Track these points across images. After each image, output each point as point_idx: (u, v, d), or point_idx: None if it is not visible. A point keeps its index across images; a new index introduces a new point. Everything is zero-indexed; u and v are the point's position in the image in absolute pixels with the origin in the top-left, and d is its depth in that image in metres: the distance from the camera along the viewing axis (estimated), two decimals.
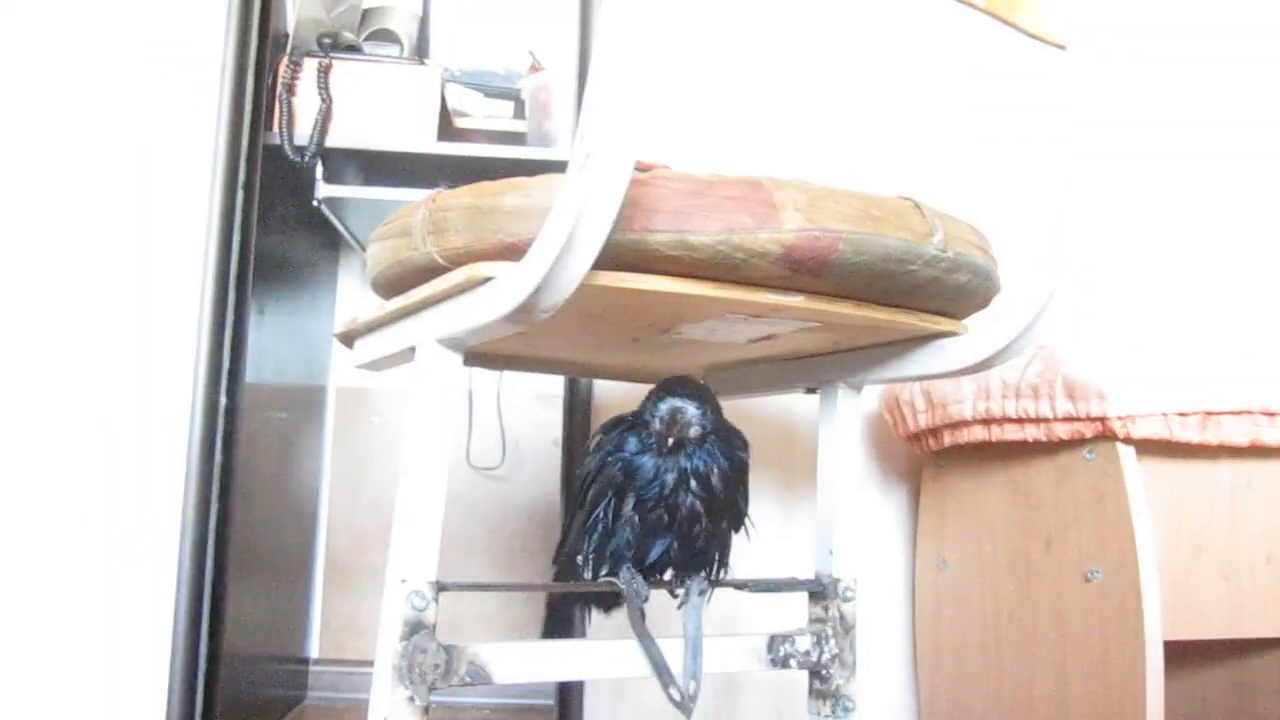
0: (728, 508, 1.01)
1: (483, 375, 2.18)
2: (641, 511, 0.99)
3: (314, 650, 2.26)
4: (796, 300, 0.86)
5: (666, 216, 0.78)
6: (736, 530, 1.06)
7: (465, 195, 0.84)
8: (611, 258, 0.76)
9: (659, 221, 0.78)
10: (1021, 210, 1.27)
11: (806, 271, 0.82)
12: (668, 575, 1.04)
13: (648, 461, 0.99)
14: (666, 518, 0.99)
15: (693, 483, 0.98)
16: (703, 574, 1.04)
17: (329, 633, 2.26)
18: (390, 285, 0.94)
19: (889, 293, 0.89)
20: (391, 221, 0.93)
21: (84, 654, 1.56)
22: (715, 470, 0.99)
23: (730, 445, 1.01)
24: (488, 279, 0.79)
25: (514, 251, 0.79)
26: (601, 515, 1.01)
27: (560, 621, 1.20)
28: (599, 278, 0.78)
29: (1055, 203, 0.91)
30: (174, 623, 1.56)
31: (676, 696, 0.96)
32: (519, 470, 2.32)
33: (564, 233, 0.70)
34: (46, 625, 1.56)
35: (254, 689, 1.88)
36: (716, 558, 1.05)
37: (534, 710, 2.14)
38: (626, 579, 0.99)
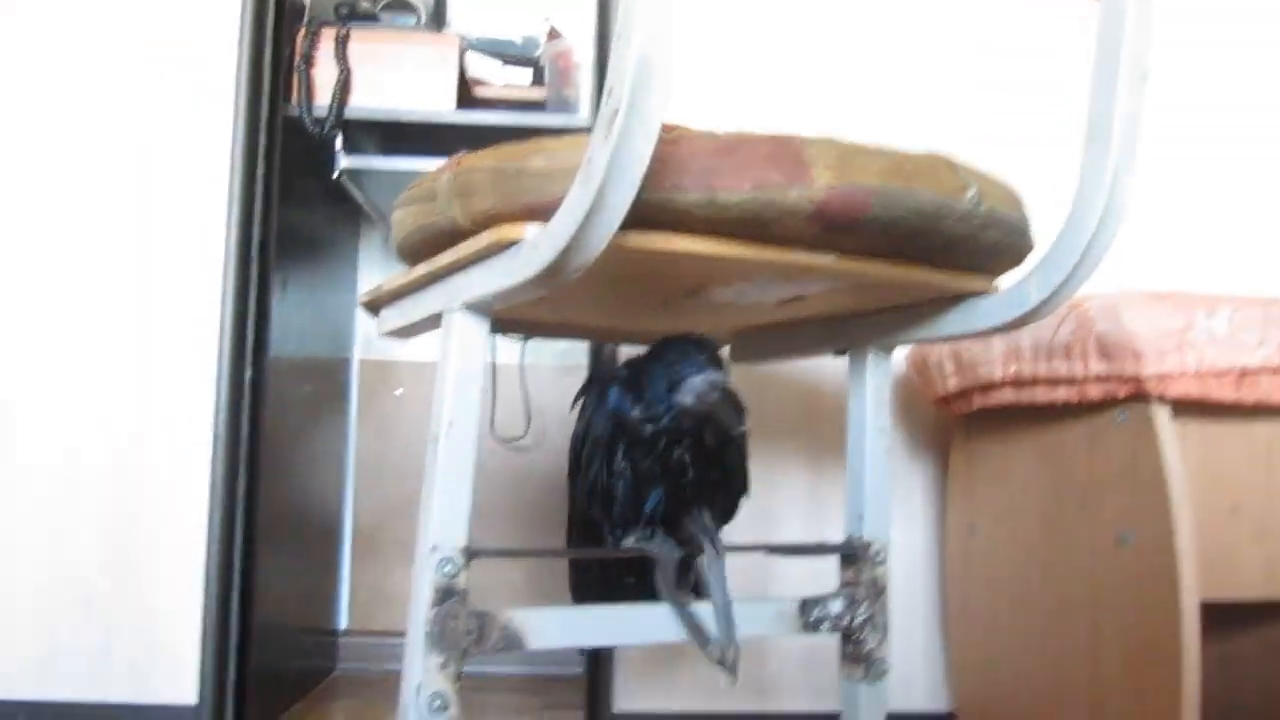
0: (715, 460, 1.01)
1: (506, 347, 2.17)
2: (633, 463, 0.98)
3: (343, 621, 2.28)
4: (827, 259, 0.84)
5: (695, 175, 0.77)
6: (740, 493, 1.07)
7: (490, 158, 0.83)
8: (640, 218, 0.75)
9: (688, 180, 0.77)
10: (1054, 165, 1.24)
11: (838, 229, 0.80)
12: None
13: (636, 413, 0.98)
14: (658, 469, 0.99)
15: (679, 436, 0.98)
16: (712, 524, 1.04)
17: (358, 604, 2.28)
18: (416, 251, 0.93)
19: (921, 251, 0.87)
20: (416, 187, 0.92)
21: (116, 628, 1.57)
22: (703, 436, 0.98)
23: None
24: (515, 241, 0.78)
25: (541, 213, 0.78)
26: (598, 473, 1.01)
27: (590, 585, 1.19)
28: (628, 238, 0.77)
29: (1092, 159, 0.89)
30: (204, 596, 1.57)
31: (715, 655, 0.95)
32: (543, 440, 2.33)
33: (592, 192, 0.69)
34: (79, 600, 1.57)
35: (285, 660, 1.90)
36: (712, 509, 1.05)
37: (561, 680, 2.15)
38: (658, 543, 0.99)
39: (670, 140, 0.77)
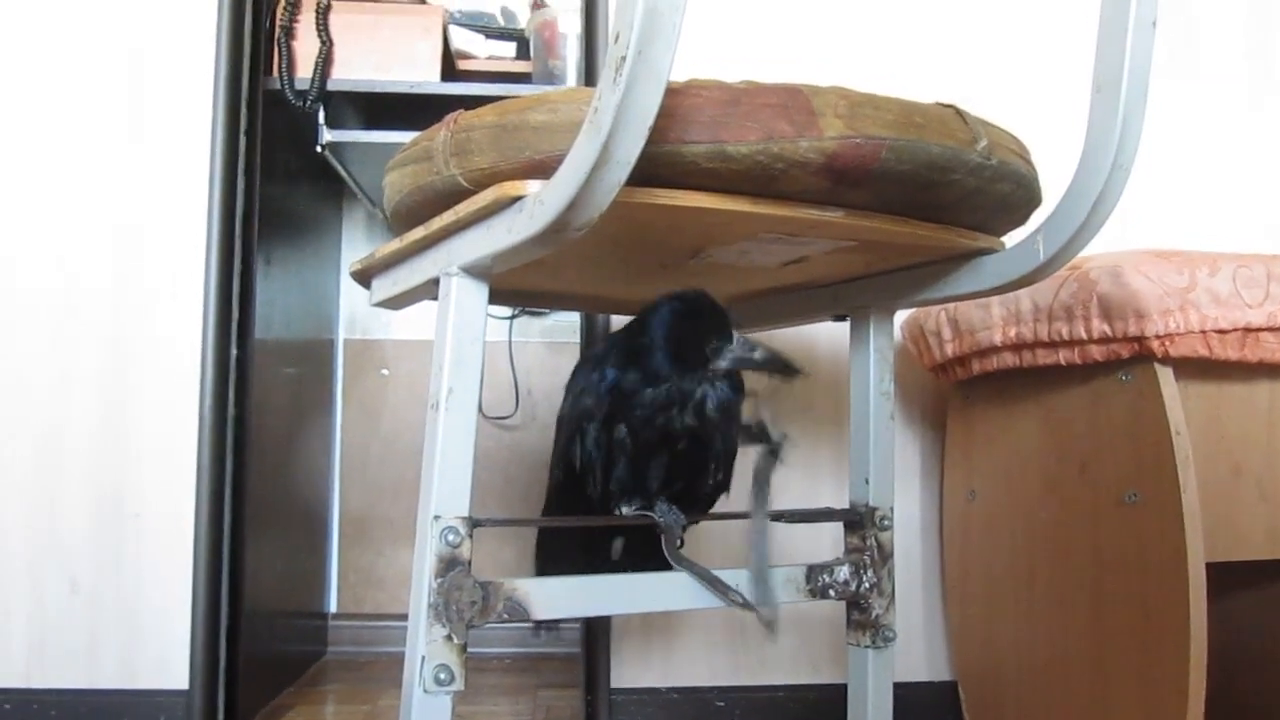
0: (715, 434, 0.99)
1: (493, 325, 2.15)
2: (634, 433, 0.97)
3: (333, 605, 2.25)
4: (835, 215, 0.83)
5: (702, 127, 0.75)
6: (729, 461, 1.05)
7: (489, 114, 0.81)
8: (645, 173, 0.73)
9: (695, 132, 0.74)
10: (1059, 120, 1.23)
11: (847, 182, 0.79)
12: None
13: (637, 383, 0.96)
14: (657, 438, 0.97)
15: (689, 406, 0.96)
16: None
17: (347, 587, 2.26)
18: (410, 214, 0.91)
19: (930, 206, 0.85)
20: (410, 147, 0.89)
21: (105, 614, 1.54)
22: (710, 397, 0.96)
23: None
24: (518, 198, 0.76)
25: (542, 170, 0.76)
26: (596, 446, 0.99)
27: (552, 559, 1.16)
28: (633, 194, 0.75)
29: (1101, 108, 0.87)
30: (193, 580, 1.54)
31: (740, 600, 0.94)
32: (532, 419, 2.31)
33: (599, 143, 0.67)
34: (65, 585, 1.54)
35: (275, 645, 1.88)
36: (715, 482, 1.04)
37: (557, 659, 2.13)
38: (663, 511, 0.97)
39: (676, 91, 0.75)
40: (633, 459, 0.96)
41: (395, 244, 0.95)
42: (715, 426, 0.97)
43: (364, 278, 1.08)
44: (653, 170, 0.74)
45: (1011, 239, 0.97)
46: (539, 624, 1.21)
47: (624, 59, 0.65)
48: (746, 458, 1.03)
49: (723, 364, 0.94)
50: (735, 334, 0.94)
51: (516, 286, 1.16)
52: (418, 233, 0.90)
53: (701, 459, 0.99)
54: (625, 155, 0.68)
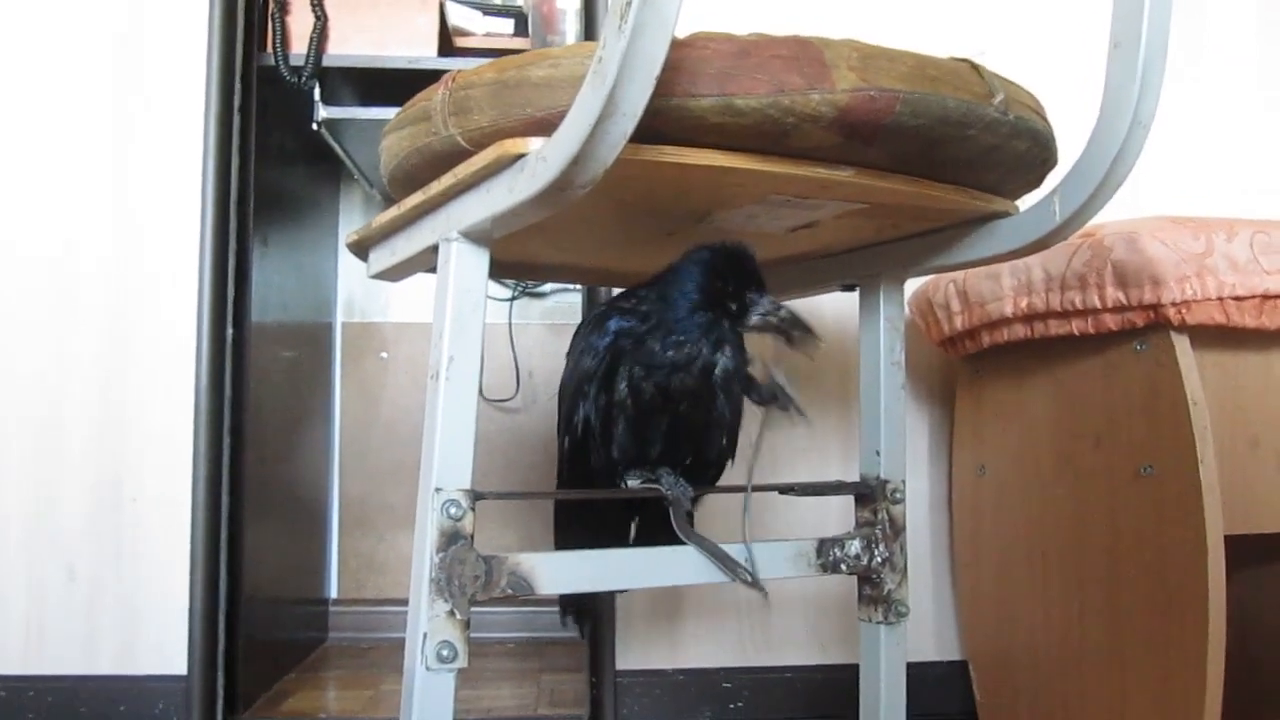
0: (719, 397, 0.96)
1: (493, 306, 2.13)
2: (635, 391, 0.94)
3: (333, 590, 2.23)
4: (846, 174, 0.80)
5: (710, 80, 0.72)
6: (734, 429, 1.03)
7: (488, 71, 0.78)
8: (651, 129, 0.70)
9: (702, 85, 0.72)
10: (1070, 82, 1.20)
11: (860, 138, 0.76)
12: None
13: (643, 334, 0.94)
14: (659, 398, 0.94)
15: (694, 365, 0.93)
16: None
17: (347, 572, 2.23)
18: (409, 179, 0.88)
19: (944, 163, 0.83)
20: (408, 108, 0.86)
21: (103, 600, 1.52)
22: (719, 363, 0.94)
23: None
24: (520, 155, 0.73)
25: (544, 127, 0.73)
26: (596, 404, 0.96)
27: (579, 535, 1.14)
28: (639, 152, 0.72)
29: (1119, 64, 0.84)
30: (190, 565, 1.52)
31: (747, 578, 0.92)
32: (533, 402, 2.29)
33: (604, 94, 0.64)
34: (65, 572, 1.52)
35: (275, 631, 1.85)
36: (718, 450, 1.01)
37: (561, 643, 2.11)
38: (670, 483, 0.94)
39: (683, 43, 0.72)
40: (633, 420, 0.94)
41: (393, 211, 0.92)
42: (719, 390, 0.94)
43: (361, 249, 1.05)
44: (658, 126, 0.72)
45: (1025, 204, 0.95)
46: (565, 610, 1.20)
47: (629, 4, 0.62)
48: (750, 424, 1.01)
49: (753, 319, 0.91)
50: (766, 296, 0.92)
51: (517, 257, 1.14)
52: (416, 198, 0.87)
53: (705, 423, 0.97)
54: (631, 106, 0.65)
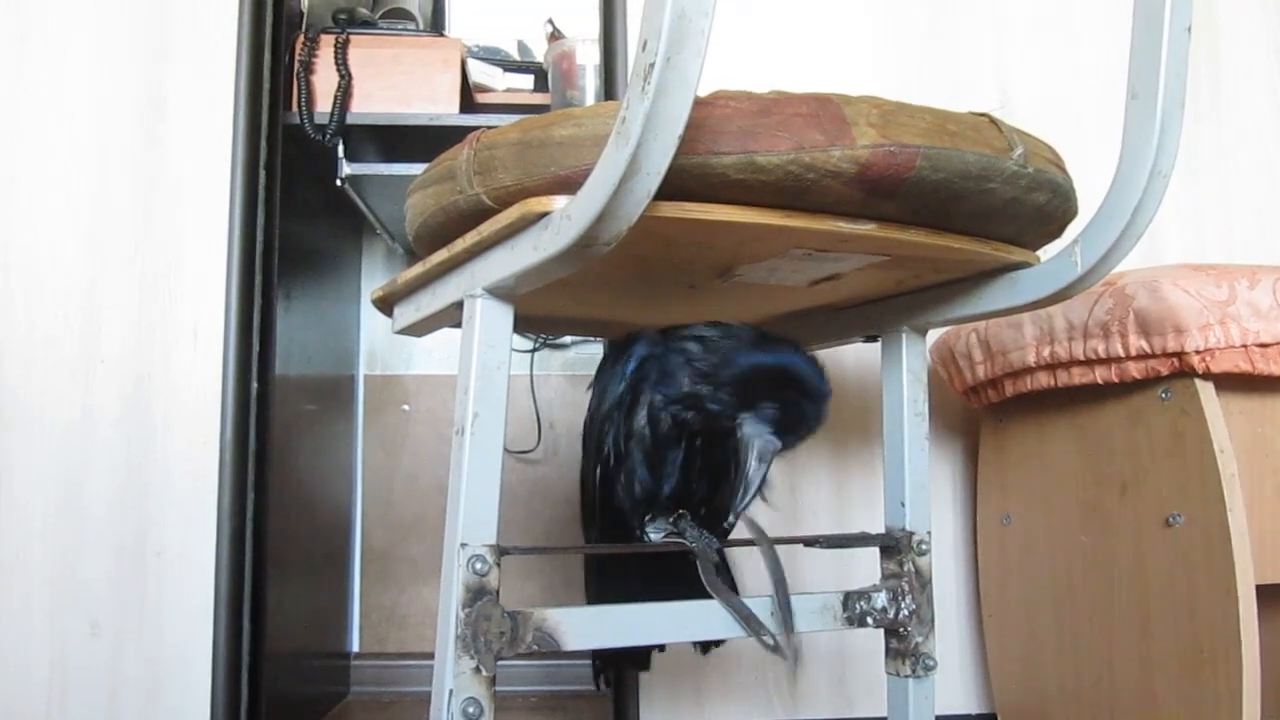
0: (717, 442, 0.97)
1: (515, 359, 2.13)
2: (654, 421, 0.94)
3: (355, 644, 2.22)
4: (867, 228, 0.81)
5: (732, 137, 0.73)
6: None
7: (513, 131, 0.79)
8: (673, 186, 0.71)
9: (724, 143, 0.73)
10: (1088, 135, 1.21)
11: (881, 193, 0.77)
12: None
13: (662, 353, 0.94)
14: (675, 431, 0.94)
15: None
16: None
17: (369, 626, 2.23)
18: (433, 237, 0.89)
19: (964, 217, 0.83)
20: (433, 167, 0.88)
21: (126, 654, 1.52)
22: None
23: None
24: (544, 213, 0.74)
25: (568, 186, 0.74)
26: (615, 437, 0.96)
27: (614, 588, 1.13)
28: (662, 208, 0.73)
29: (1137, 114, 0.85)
30: (214, 619, 1.52)
31: (771, 642, 0.91)
32: (554, 454, 2.28)
33: (628, 153, 0.65)
34: (89, 625, 1.52)
35: (297, 685, 1.85)
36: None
37: (584, 697, 2.09)
38: (694, 536, 0.94)
39: (704, 101, 0.74)
40: (649, 454, 0.94)
41: (418, 268, 0.94)
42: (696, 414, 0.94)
43: (386, 304, 1.07)
44: (681, 183, 0.73)
45: (1045, 254, 0.95)
46: (599, 674, 1.18)
47: (652, 66, 0.63)
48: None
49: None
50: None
51: (539, 312, 1.15)
52: (441, 255, 0.88)
53: (722, 459, 0.97)
54: (655, 165, 0.66)
